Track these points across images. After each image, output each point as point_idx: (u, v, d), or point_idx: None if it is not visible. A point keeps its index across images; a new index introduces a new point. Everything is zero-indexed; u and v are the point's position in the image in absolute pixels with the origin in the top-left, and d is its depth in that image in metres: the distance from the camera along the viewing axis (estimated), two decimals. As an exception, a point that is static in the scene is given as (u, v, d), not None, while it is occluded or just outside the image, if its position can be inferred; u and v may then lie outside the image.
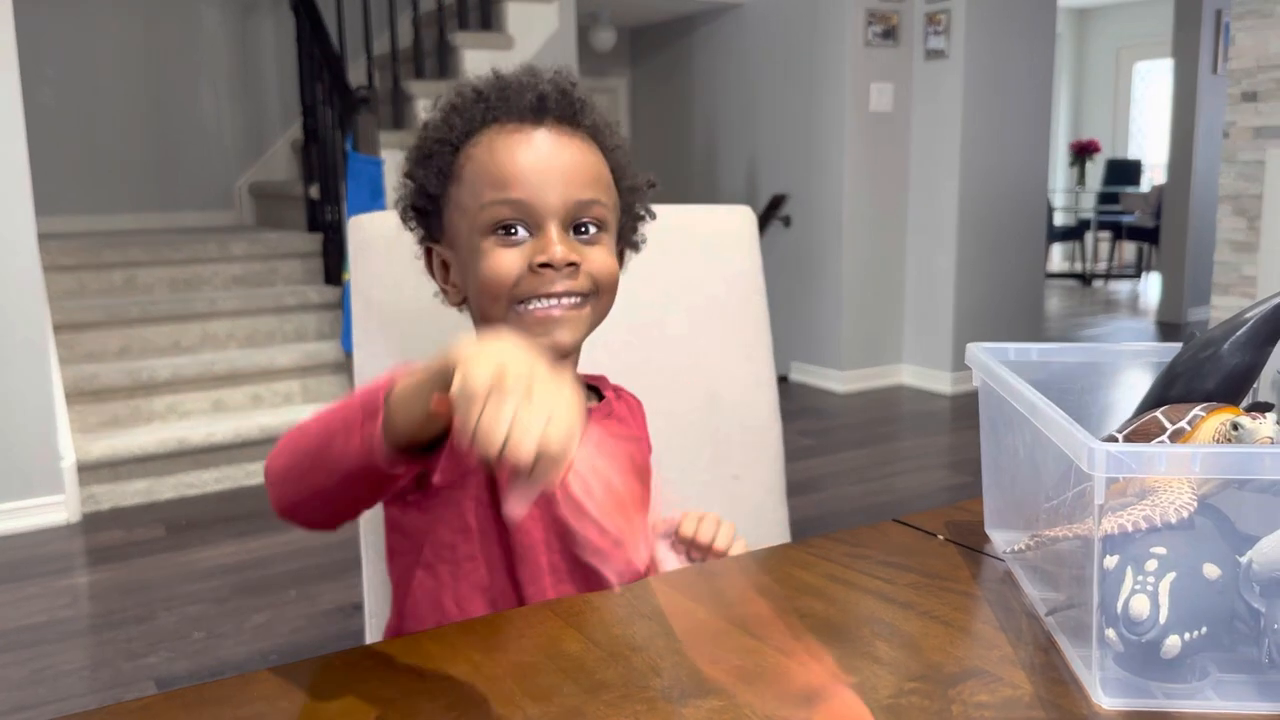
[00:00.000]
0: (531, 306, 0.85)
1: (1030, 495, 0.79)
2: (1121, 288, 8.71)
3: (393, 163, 3.34)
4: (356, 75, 4.38)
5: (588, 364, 0.99)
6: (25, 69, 3.14)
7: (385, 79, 4.49)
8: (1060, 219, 9.16)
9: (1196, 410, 0.73)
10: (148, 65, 4.92)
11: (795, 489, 1.40)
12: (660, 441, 1.05)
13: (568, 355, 0.91)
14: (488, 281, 0.85)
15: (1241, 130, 3.79)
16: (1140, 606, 0.61)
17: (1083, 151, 9.01)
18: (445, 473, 0.85)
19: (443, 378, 0.63)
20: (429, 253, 0.93)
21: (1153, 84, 9.47)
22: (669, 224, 1.03)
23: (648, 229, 0.99)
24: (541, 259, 0.84)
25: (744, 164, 5.30)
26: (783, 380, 4.99)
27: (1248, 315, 0.79)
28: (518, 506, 0.59)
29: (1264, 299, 0.80)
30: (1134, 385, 0.88)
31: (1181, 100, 6.44)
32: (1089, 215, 8.96)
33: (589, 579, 0.90)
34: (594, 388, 1.00)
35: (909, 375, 4.95)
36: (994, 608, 0.78)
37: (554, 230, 0.85)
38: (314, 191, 4.30)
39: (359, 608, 1.15)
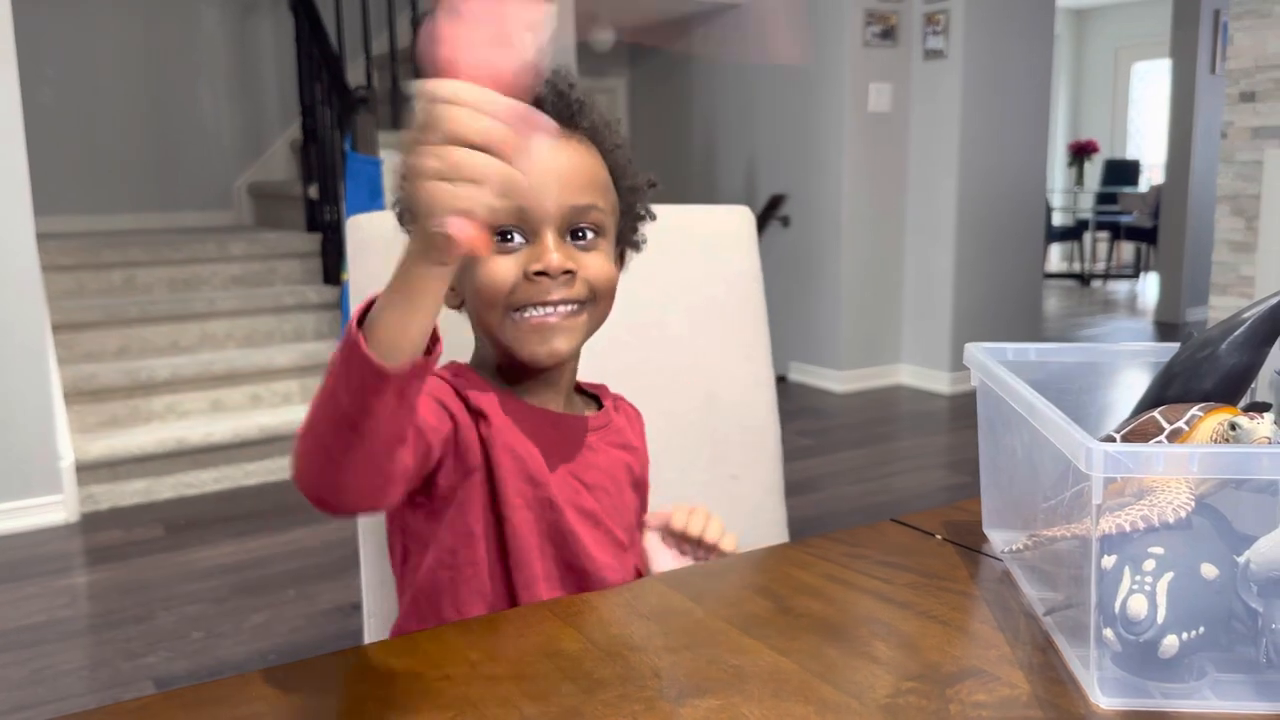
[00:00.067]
0: (527, 314, 0.85)
1: (1028, 495, 0.79)
2: (1119, 288, 8.72)
3: (391, 163, 3.34)
4: (355, 75, 4.38)
5: (587, 364, 0.99)
6: (25, 69, 3.14)
7: (384, 79, 4.49)
8: (1059, 219, 9.17)
9: (1194, 410, 0.73)
10: (147, 65, 4.92)
11: (794, 489, 1.41)
12: (659, 442, 1.05)
13: (565, 362, 0.91)
14: (483, 288, 0.85)
15: (1239, 130, 3.79)
16: (1138, 606, 0.61)
17: (1081, 152, 9.02)
18: (449, 474, 0.85)
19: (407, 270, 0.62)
20: None
21: (1151, 84, 9.48)
22: (668, 224, 1.03)
23: (647, 229, 0.99)
24: (537, 267, 0.84)
25: (743, 164, 5.30)
26: (781, 380, 4.99)
27: (1245, 315, 0.79)
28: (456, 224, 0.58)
29: (1262, 299, 0.80)
30: (1132, 385, 0.89)
31: (1180, 100, 6.44)
32: (1087, 215, 8.97)
33: (582, 586, 0.90)
34: (594, 396, 1.00)
35: (907, 375, 4.96)
36: (992, 607, 0.78)
37: (550, 237, 0.85)
38: (313, 191, 4.30)
39: (358, 607, 1.15)
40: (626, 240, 0.96)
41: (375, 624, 1.10)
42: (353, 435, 0.66)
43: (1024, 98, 4.73)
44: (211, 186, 5.14)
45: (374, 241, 1.08)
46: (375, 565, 1.07)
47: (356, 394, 0.64)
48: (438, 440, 0.81)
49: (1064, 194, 9.42)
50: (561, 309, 0.86)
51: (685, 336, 1.21)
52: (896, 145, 4.78)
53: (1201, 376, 0.79)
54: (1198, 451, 0.62)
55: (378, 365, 0.63)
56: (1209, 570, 0.63)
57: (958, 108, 4.55)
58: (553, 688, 0.66)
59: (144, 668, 2.23)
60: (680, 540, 0.96)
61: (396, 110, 4.29)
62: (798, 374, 5.06)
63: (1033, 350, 0.91)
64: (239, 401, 3.69)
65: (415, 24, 4.43)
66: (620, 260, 0.96)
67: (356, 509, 0.74)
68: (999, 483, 0.89)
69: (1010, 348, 0.90)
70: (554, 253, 0.84)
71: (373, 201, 3.54)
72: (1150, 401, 0.82)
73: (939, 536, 0.92)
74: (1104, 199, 8.84)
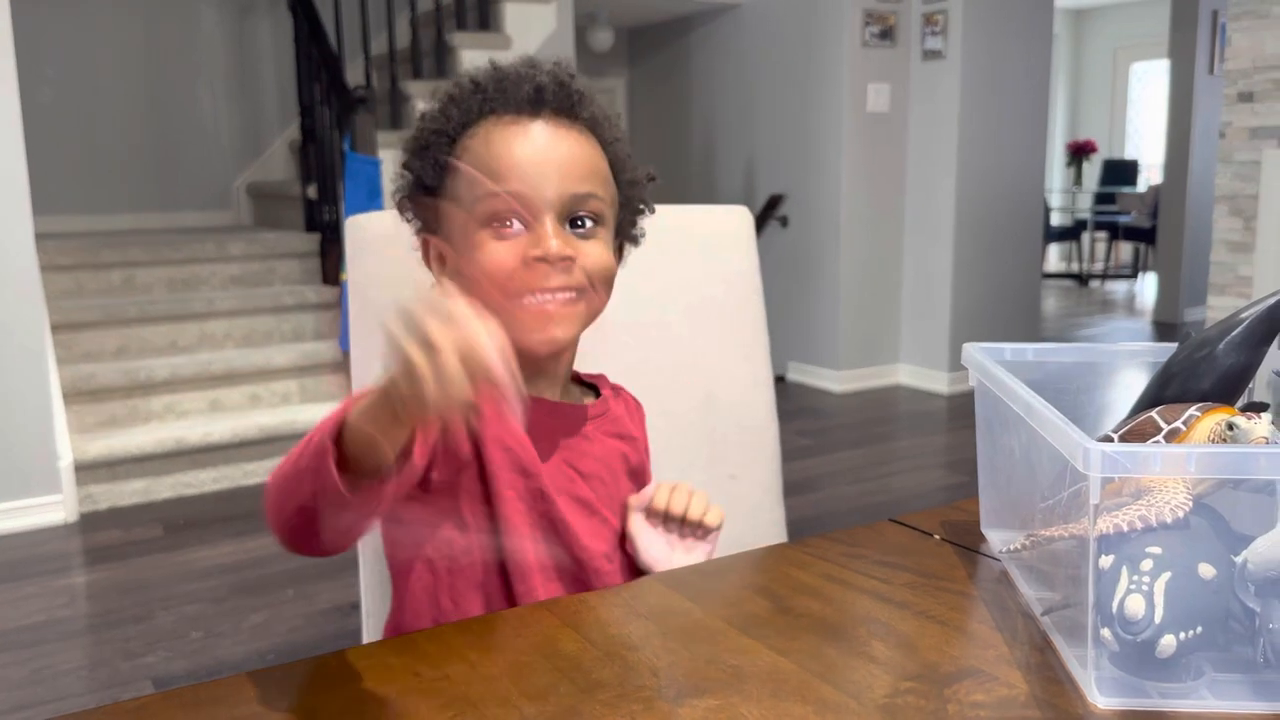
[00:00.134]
0: (526, 301, 0.85)
1: (1026, 495, 0.79)
2: (1118, 288, 8.72)
3: (390, 163, 3.34)
4: (354, 75, 4.38)
5: (586, 365, 0.99)
6: (24, 69, 3.14)
7: (383, 79, 4.49)
8: (1057, 219, 9.17)
9: (1192, 410, 0.74)
10: (146, 65, 4.91)
11: (792, 489, 1.41)
12: (658, 441, 1.05)
13: (563, 350, 0.91)
14: (482, 275, 0.85)
15: (1238, 130, 3.79)
16: (1135, 606, 0.61)
17: (1079, 152, 9.02)
18: (441, 469, 0.86)
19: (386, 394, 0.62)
20: (426, 244, 0.92)
21: (1149, 84, 9.48)
22: (667, 224, 1.03)
23: (646, 228, 0.99)
24: (536, 253, 0.84)
25: (741, 164, 5.30)
26: (780, 380, 4.99)
27: (1243, 315, 0.79)
28: (515, 415, 0.61)
29: (1260, 299, 0.80)
30: (1130, 385, 0.89)
31: (1178, 101, 6.45)
32: (1085, 215, 8.97)
33: (576, 577, 0.90)
34: (592, 386, 1.00)
35: (906, 375, 4.96)
36: (990, 607, 0.78)
37: (549, 224, 0.85)
38: (312, 191, 4.30)
39: (356, 607, 1.15)
40: (625, 233, 0.96)
41: (374, 623, 1.10)
42: (315, 521, 0.69)
43: (1022, 98, 4.74)
44: (210, 186, 5.14)
45: (373, 241, 1.08)
46: (374, 565, 1.08)
47: (320, 497, 0.67)
48: (424, 451, 0.81)
49: (1062, 194, 9.42)
50: (560, 296, 0.85)
51: (684, 336, 1.21)
52: (895, 145, 4.78)
53: (1199, 376, 0.79)
54: (1195, 451, 0.62)
55: (341, 491, 0.65)
56: (1206, 570, 0.63)
57: (956, 108, 4.55)
58: (551, 687, 0.67)
59: (143, 667, 2.23)
60: (665, 520, 0.95)
61: (395, 110, 4.29)
62: (796, 374, 5.06)
63: (1031, 350, 0.91)
64: (238, 401, 3.69)
65: (414, 24, 4.43)
66: (619, 253, 0.96)
67: (329, 554, 0.76)
68: (997, 483, 0.89)
69: (1008, 348, 0.90)
70: (553, 239, 0.84)
71: (371, 201, 3.54)
72: (1148, 401, 0.82)
73: (937, 536, 0.92)
74: (1102, 199, 8.84)
